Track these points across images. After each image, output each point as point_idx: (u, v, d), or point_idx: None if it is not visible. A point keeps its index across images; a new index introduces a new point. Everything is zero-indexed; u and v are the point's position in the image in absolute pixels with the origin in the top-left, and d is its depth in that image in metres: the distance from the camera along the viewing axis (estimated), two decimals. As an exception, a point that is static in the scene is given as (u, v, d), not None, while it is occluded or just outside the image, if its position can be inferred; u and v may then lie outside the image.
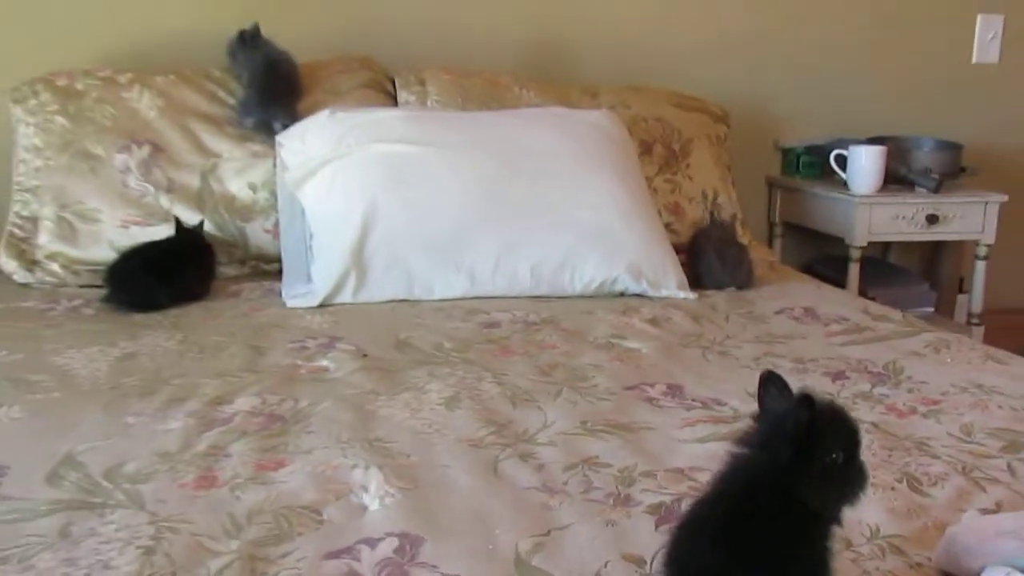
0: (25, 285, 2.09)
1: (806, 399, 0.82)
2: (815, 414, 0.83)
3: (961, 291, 3.14)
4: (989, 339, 2.86)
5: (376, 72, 2.50)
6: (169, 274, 1.99)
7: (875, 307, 2.11)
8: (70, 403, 1.42)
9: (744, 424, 0.92)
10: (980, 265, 2.84)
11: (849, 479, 0.85)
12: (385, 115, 2.22)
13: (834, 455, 0.84)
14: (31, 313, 1.90)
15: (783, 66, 2.97)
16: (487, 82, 2.53)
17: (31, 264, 2.12)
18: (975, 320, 2.88)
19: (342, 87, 2.41)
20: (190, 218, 2.14)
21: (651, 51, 2.84)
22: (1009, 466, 1.28)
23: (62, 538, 1.03)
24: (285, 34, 2.40)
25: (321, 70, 2.44)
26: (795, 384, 0.89)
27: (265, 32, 2.36)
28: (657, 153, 2.53)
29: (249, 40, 2.33)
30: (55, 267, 2.12)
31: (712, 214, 2.48)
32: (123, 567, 0.97)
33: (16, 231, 2.16)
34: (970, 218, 2.78)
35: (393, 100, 2.47)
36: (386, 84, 2.50)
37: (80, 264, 2.12)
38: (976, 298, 2.88)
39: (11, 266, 2.11)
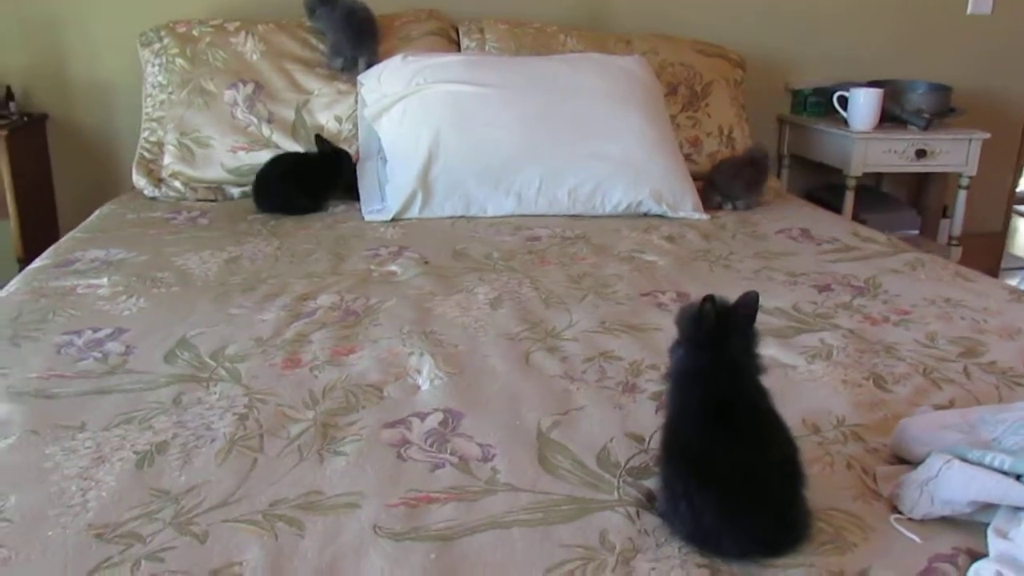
0: (153, 199, 2.14)
1: (708, 298, 0.89)
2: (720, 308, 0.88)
3: (944, 216, 3.04)
4: (967, 258, 2.78)
5: (442, 22, 2.45)
6: (305, 182, 2.05)
7: (864, 230, 2.06)
8: (186, 296, 1.46)
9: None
10: (961, 194, 2.74)
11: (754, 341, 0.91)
12: (449, 59, 2.19)
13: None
14: (157, 222, 1.93)
15: (795, 18, 2.84)
16: (537, 31, 2.46)
17: (157, 181, 2.16)
18: (954, 242, 2.79)
19: (412, 34, 2.36)
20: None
21: (679, 4, 2.73)
22: (965, 369, 1.26)
23: (175, 405, 1.08)
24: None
25: (395, 20, 2.39)
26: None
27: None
28: (681, 94, 2.46)
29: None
30: (177, 184, 2.15)
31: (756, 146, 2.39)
32: (222, 429, 1.02)
33: (145, 154, 2.20)
34: (955, 153, 2.66)
35: (456, 46, 2.43)
36: (450, 32, 2.45)
37: (197, 182, 2.16)
38: (956, 223, 2.78)
39: (142, 183, 2.15)
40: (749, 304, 0.90)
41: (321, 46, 2.31)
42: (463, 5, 2.54)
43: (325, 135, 2.19)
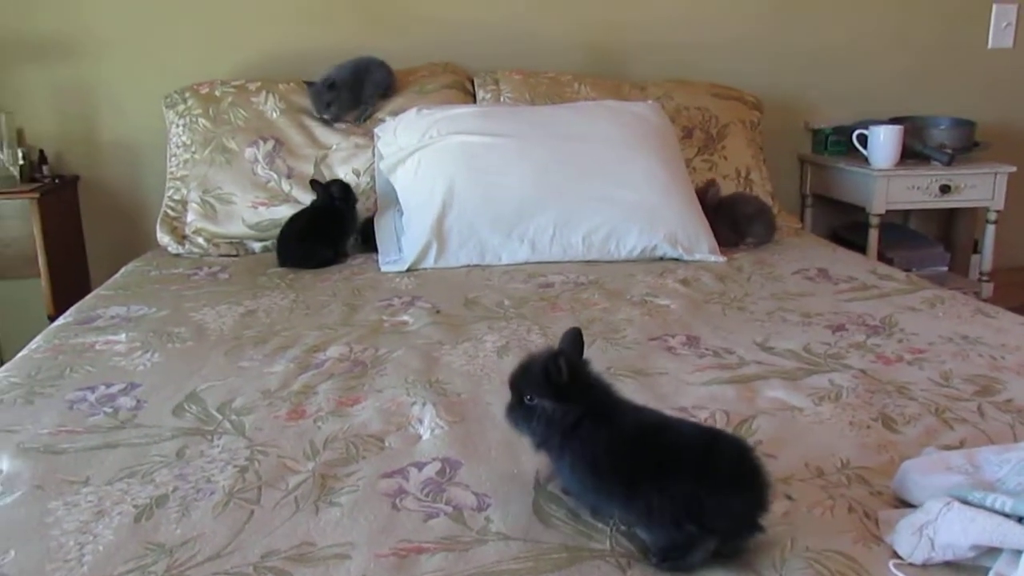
0: (177, 255, 2.19)
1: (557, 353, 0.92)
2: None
3: (976, 252, 2.99)
4: (999, 294, 2.73)
5: (458, 75, 2.51)
6: (326, 235, 2.10)
7: (883, 267, 2.03)
8: (199, 350, 1.49)
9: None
10: (990, 229, 2.70)
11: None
12: (462, 111, 2.23)
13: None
14: (179, 278, 1.98)
15: (812, 58, 2.85)
16: (551, 80, 2.51)
17: (181, 238, 2.22)
18: (985, 278, 2.75)
19: (428, 88, 2.42)
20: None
21: (694, 49, 2.75)
22: (979, 408, 1.23)
23: (178, 458, 1.10)
24: (385, 48, 2.45)
25: (411, 75, 2.46)
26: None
27: (368, 48, 2.41)
28: (697, 137, 2.48)
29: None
30: (200, 240, 2.21)
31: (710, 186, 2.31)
32: (221, 481, 1.03)
33: (169, 212, 2.26)
34: (981, 187, 2.64)
35: (472, 98, 2.48)
36: (466, 84, 2.50)
37: (220, 238, 2.21)
38: (986, 258, 2.74)
39: (166, 240, 2.22)
40: (575, 339, 0.99)
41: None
42: (479, 58, 2.60)
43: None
